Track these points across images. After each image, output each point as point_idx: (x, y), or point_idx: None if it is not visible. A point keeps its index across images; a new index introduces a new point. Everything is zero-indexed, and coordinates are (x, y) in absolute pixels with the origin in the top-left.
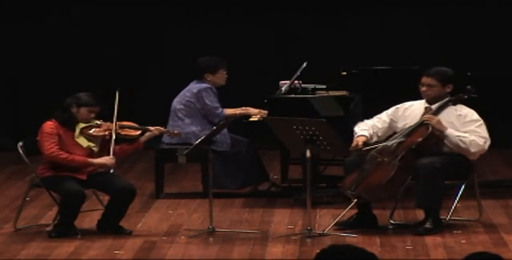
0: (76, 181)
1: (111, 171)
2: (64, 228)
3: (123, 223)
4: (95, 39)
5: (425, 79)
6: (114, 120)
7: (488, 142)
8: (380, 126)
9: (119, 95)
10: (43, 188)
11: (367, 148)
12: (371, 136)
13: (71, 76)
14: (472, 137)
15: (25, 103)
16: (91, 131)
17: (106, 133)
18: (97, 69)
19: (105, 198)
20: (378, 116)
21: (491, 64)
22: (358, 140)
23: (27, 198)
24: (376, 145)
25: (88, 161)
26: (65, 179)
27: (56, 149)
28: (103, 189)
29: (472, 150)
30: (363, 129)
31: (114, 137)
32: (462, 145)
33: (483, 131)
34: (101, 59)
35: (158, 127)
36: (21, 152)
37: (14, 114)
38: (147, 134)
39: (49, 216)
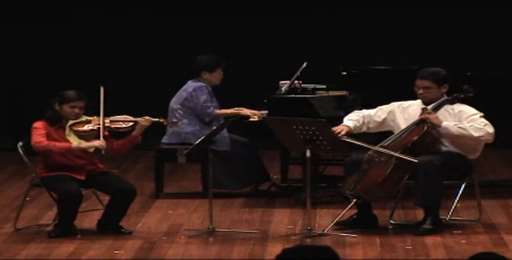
0: (74, 181)
1: (102, 152)
2: (64, 228)
3: (123, 223)
4: (95, 40)
5: (420, 82)
6: (102, 114)
7: (491, 127)
8: (375, 119)
9: (104, 91)
10: (43, 188)
11: (349, 140)
12: (356, 128)
13: (71, 77)
14: (470, 123)
15: (25, 103)
16: (81, 128)
17: (96, 128)
18: (97, 70)
19: (105, 198)
20: (377, 108)
21: (491, 64)
22: (341, 128)
23: (27, 198)
24: (372, 146)
25: (72, 147)
26: (63, 179)
27: (41, 139)
28: (103, 189)
29: (475, 134)
30: (351, 119)
31: (102, 123)
32: (463, 131)
33: (482, 119)
34: (101, 60)
35: (147, 117)
36: (21, 152)
37: (14, 114)
38: (138, 126)
39: (49, 216)
